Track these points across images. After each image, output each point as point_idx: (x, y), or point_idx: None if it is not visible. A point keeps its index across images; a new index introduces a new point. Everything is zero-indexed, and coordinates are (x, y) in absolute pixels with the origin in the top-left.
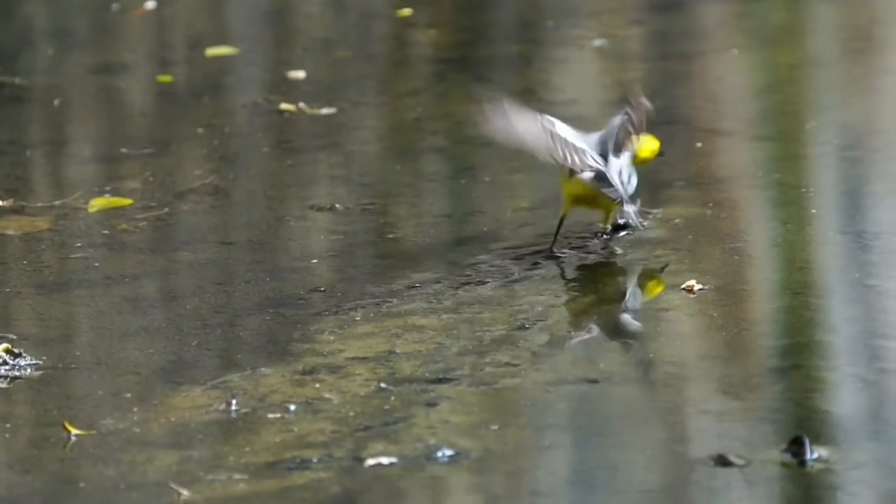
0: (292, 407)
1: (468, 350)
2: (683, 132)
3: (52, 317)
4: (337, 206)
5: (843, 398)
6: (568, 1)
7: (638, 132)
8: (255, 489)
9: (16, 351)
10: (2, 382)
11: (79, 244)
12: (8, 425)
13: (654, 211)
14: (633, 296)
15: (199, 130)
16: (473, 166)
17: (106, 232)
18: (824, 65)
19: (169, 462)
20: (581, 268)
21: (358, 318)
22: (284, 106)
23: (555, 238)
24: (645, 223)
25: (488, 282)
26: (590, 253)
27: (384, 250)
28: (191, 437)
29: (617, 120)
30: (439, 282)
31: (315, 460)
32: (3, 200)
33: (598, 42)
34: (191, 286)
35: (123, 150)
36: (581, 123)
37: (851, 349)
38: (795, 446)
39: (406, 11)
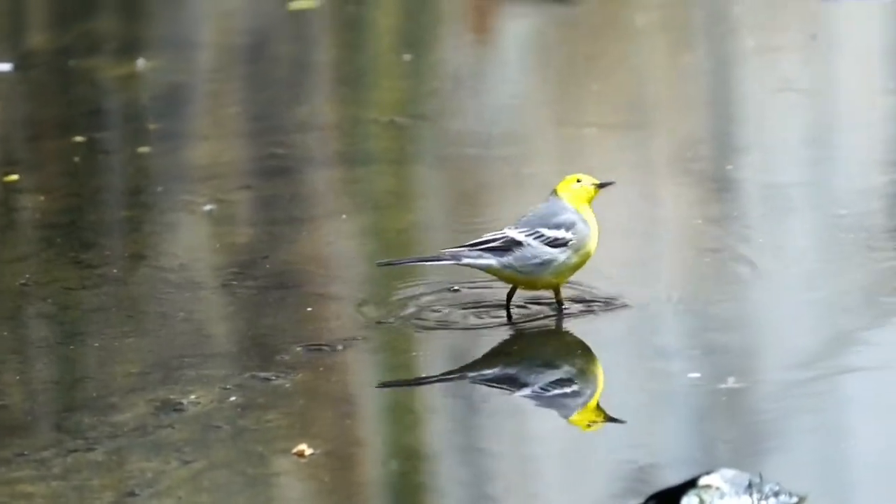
0: None
1: None
2: (293, 297)
3: None
4: None
5: None
6: (177, 166)
7: None
8: None
9: None
10: None
11: None
12: None
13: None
14: (247, 461)
15: None
16: (83, 332)
17: None
18: (433, 229)
19: None
20: (193, 433)
21: None
22: None
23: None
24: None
25: (97, 448)
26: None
27: None
28: None
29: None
30: (48, 448)
31: None
32: None
33: (208, 207)
34: None
35: None
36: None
37: None
38: None
39: (13, 177)
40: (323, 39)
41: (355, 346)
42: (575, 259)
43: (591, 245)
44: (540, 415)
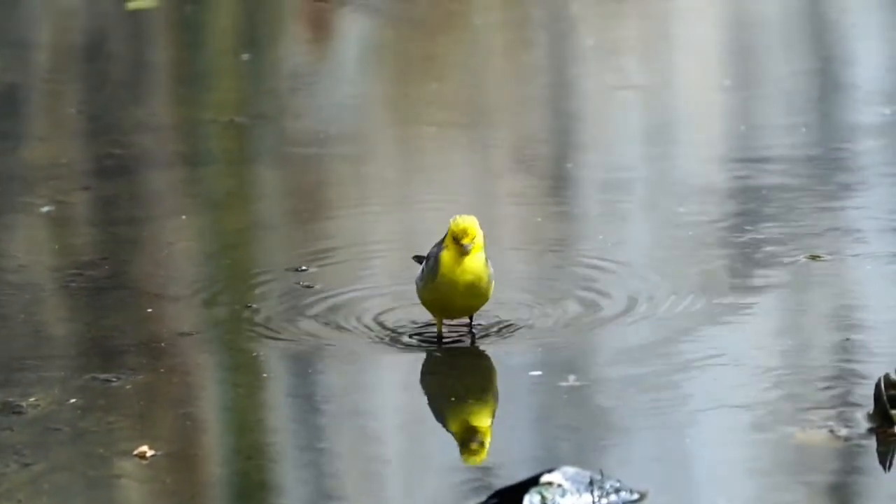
0: None
1: None
2: (133, 297)
3: None
4: None
5: None
6: (15, 167)
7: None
8: None
9: None
10: None
11: None
12: None
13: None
14: (88, 463)
15: None
16: None
17: None
18: (272, 228)
19: None
20: (32, 436)
21: None
22: None
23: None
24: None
25: None
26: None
27: None
28: None
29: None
30: None
31: None
32: None
33: (46, 208)
34: None
35: None
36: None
37: None
38: None
39: None
40: (161, 39)
41: (196, 347)
42: (424, 294)
43: (435, 289)
44: (382, 414)
